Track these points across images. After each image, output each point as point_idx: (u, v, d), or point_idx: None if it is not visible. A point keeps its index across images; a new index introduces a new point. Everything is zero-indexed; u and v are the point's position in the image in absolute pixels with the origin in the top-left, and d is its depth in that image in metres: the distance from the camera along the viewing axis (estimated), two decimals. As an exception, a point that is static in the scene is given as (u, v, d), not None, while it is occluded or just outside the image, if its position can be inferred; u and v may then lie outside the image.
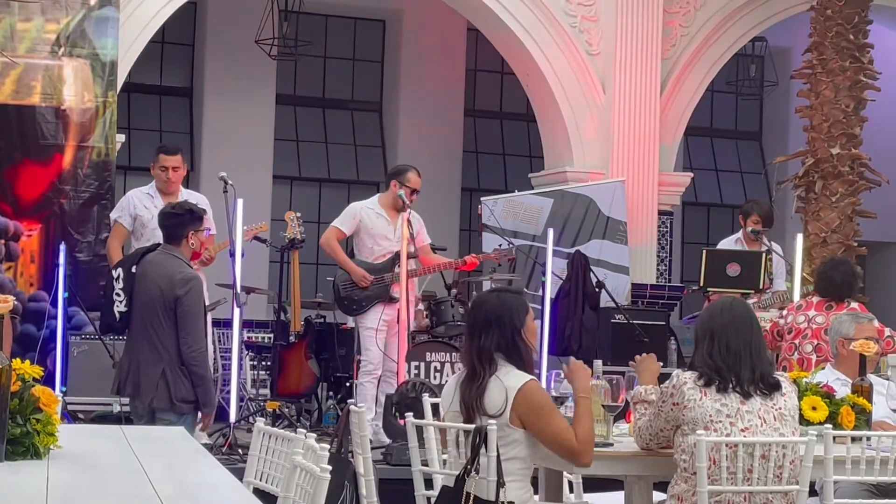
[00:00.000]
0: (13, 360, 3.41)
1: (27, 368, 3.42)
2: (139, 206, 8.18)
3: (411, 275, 8.25)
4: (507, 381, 4.47)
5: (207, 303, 6.91)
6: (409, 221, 8.20)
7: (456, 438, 4.48)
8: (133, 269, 6.33)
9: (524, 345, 4.55)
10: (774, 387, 4.51)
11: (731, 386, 4.46)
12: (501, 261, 9.02)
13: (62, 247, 8.56)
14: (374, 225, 8.36)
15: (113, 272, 6.48)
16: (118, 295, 6.33)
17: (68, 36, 9.36)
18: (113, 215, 8.42)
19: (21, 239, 9.29)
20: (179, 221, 6.33)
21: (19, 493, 2.94)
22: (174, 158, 8.18)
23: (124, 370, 6.35)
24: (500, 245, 9.31)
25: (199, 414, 6.27)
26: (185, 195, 8.12)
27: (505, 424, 4.43)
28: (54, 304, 8.64)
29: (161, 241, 6.45)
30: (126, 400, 6.74)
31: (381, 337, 8.26)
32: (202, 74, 13.27)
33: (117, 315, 6.35)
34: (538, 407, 4.45)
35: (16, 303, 3.45)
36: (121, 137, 9.93)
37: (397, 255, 8.22)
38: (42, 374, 3.53)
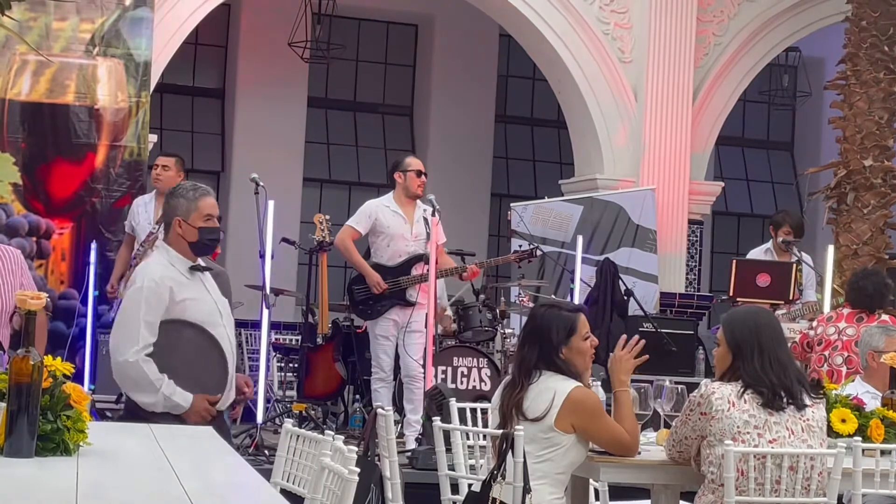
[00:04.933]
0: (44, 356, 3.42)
1: (58, 365, 3.43)
2: (135, 212, 8.57)
3: (425, 279, 8.00)
4: (554, 384, 4.46)
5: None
6: (428, 220, 7.94)
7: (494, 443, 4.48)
8: None
9: (564, 363, 4.50)
10: (816, 388, 4.53)
11: (785, 400, 4.42)
12: (522, 263, 8.93)
13: (93, 245, 8.62)
14: (389, 224, 8.07)
15: None
16: None
17: (103, 36, 9.41)
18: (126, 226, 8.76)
19: (52, 237, 9.34)
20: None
21: (50, 488, 2.96)
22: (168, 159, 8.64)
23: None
24: (520, 246, 9.25)
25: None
26: None
27: (549, 427, 4.42)
28: (84, 302, 8.70)
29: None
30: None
31: (390, 344, 8.10)
32: (235, 76, 13.32)
33: None
34: (593, 410, 4.46)
35: (47, 299, 3.48)
36: (153, 137, 9.98)
37: (413, 258, 8.08)
38: (72, 371, 3.54)
